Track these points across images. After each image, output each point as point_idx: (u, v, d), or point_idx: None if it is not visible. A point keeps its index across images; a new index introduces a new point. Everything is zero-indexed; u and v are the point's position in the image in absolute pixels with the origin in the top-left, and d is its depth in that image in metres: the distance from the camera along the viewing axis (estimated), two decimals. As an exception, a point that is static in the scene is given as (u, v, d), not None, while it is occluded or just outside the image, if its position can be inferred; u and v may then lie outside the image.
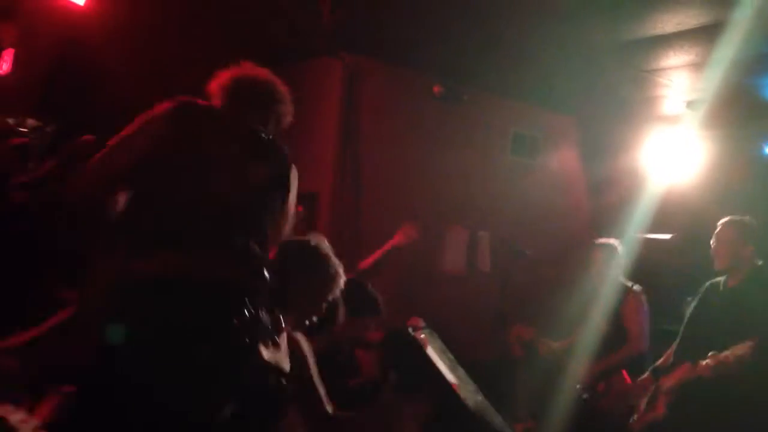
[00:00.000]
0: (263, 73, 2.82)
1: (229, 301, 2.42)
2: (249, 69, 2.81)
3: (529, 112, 7.07)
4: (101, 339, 2.27)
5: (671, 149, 6.54)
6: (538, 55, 5.53)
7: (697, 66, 5.49)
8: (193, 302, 2.36)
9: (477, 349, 5.40)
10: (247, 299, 2.44)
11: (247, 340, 2.45)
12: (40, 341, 2.33)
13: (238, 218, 2.52)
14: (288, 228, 2.80)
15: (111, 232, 2.49)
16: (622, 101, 6.66)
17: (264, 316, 2.49)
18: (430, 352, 4.20)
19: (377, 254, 4.57)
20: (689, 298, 4.47)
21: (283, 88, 2.84)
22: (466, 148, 6.55)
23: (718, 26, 4.61)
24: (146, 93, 3.01)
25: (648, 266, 5.53)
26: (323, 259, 3.03)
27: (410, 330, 4.16)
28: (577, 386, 4.79)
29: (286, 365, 2.72)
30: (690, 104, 6.26)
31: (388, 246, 4.57)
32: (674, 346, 4.43)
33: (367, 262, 4.53)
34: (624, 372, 4.76)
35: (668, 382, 4.16)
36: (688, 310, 4.40)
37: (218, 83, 2.76)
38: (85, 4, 4.13)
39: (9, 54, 4.34)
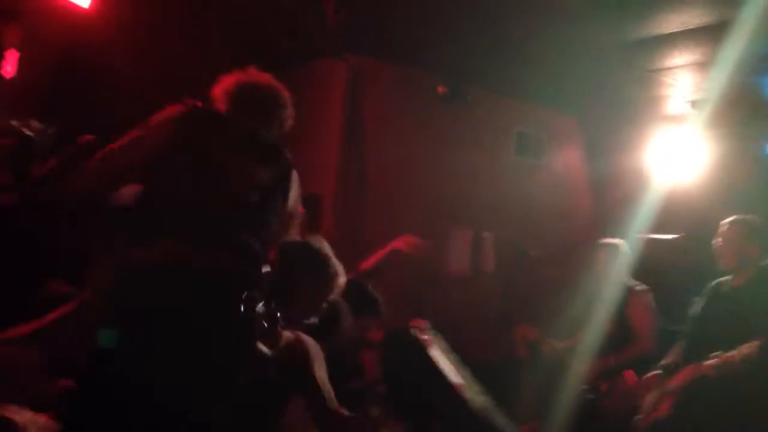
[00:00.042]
0: (266, 78, 2.91)
1: (228, 291, 2.49)
2: (252, 75, 2.89)
3: (534, 113, 7.06)
4: (102, 327, 2.32)
5: (675, 149, 6.53)
6: (544, 56, 5.53)
7: (702, 65, 5.48)
8: (191, 290, 2.43)
9: (481, 350, 5.40)
10: (245, 290, 2.50)
11: (245, 329, 2.51)
12: (43, 333, 2.34)
13: (239, 216, 2.60)
14: (291, 229, 2.90)
15: (113, 226, 2.57)
16: (626, 101, 6.64)
17: (261, 308, 2.55)
18: (435, 353, 4.20)
19: (379, 255, 4.57)
20: (694, 298, 4.46)
21: (285, 93, 2.92)
22: (470, 148, 6.54)
23: (722, 26, 4.59)
24: (150, 95, 3.06)
25: (652, 266, 5.52)
26: (323, 259, 3.06)
27: (414, 331, 4.17)
28: (582, 386, 4.78)
29: (287, 360, 2.75)
30: (694, 104, 6.25)
31: (388, 248, 4.57)
32: (679, 345, 4.42)
33: (369, 262, 4.53)
34: (628, 371, 4.75)
35: (673, 382, 4.15)
36: (694, 310, 4.39)
37: (222, 88, 2.85)
38: (89, 6, 4.14)
39: (13, 56, 4.36)
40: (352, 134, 5.96)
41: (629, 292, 4.99)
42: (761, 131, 6.27)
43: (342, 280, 3.10)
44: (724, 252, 4.26)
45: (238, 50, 4.88)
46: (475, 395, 4.03)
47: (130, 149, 2.58)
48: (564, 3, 4.63)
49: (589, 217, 7.31)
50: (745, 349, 3.78)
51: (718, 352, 3.85)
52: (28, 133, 3.21)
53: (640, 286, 5.04)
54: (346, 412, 2.96)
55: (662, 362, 4.43)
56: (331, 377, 3.03)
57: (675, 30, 4.91)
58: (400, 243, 4.50)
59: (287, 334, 2.91)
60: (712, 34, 4.79)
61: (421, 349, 4.18)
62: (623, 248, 5.12)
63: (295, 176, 2.81)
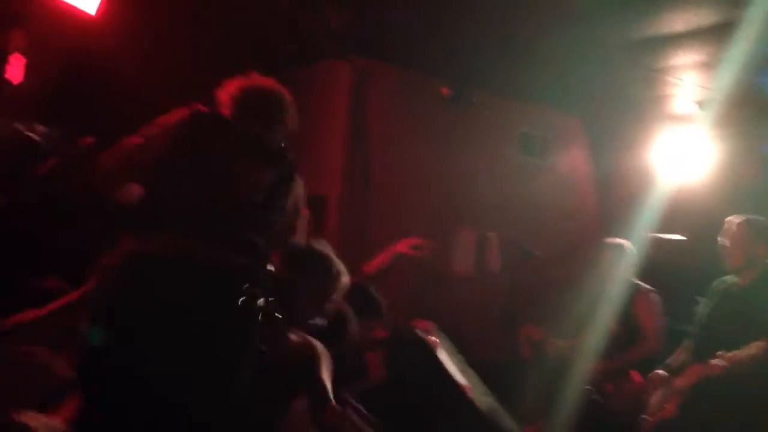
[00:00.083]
0: (269, 82, 2.99)
1: (228, 284, 2.56)
2: (256, 79, 2.97)
3: (539, 113, 7.05)
4: (102, 316, 2.40)
5: (681, 149, 6.52)
6: (550, 56, 5.52)
7: (708, 65, 5.47)
8: (191, 283, 2.50)
9: (486, 350, 5.40)
10: (245, 285, 2.57)
11: (244, 323, 2.57)
12: (44, 321, 2.35)
13: (242, 216, 2.68)
14: (297, 229, 2.94)
15: (118, 222, 2.64)
16: (632, 101, 6.63)
17: (262, 302, 2.61)
18: (441, 354, 4.21)
19: (382, 258, 4.58)
20: (700, 298, 4.45)
21: (288, 97, 3.00)
22: (474, 149, 6.54)
23: (728, 25, 4.58)
24: (156, 99, 3.11)
25: (658, 266, 5.51)
26: (324, 260, 3.09)
27: (419, 333, 4.18)
28: (587, 386, 4.78)
29: (293, 361, 2.80)
30: (700, 103, 6.24)
31: (392, 251, 4.58)
32: (685, 345, 4.42)
33: (372, 266, 4.54)
34: (634, 372, 4.75)
35: (680, 382, 4.14)
36: (700, 310, 4.39)
37: (227, 92, 2.93)
38: (95, 12, 4.16)
39: (20, 61, 4.38)
40: (357, 135, 5.97)
41: (635, 292, 4.99)
42: (767, 131, 6.25)
43: (345, 280, 3.12)
44: (730, 251, 4.25)
45: (242, 53, 4.90)
46: (480, 396, 4.05)
47: (145, 150, 2.68)
48: (570, 3, 4.63)
49: (594, 217, 7.29)
50: (752, 348, 3.79)
51: (724, 352, 3.85)
52: (34, 137, 3.24)
53: (645, 286, 5.04)
54: (341, 413, 2.99)
55: (668, 362, 4.43)
56: (336, 379, 3.05)
57: (680, 30, 4.90)
58: (402, 247, 4.51)
59: (295, 337, 2.94)
60: (717, 34, 4.78)
61: (426, 350, 4.19)
62: (629, 248, 5.12)
63: (298, 178, 2.88)
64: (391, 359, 4.13)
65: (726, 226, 4.31)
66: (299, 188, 2.89)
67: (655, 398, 4.29)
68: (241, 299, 2.54)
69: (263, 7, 4.95)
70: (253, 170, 2.73)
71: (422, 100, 6.22)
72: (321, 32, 5.19)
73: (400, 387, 4.07)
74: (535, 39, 5.22)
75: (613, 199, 7.07)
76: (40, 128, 3.29)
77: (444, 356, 4.28)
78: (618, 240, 5.18)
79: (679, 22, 4.79)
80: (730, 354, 3.83)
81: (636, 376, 4.75)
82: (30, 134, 3.25)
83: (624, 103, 6.67)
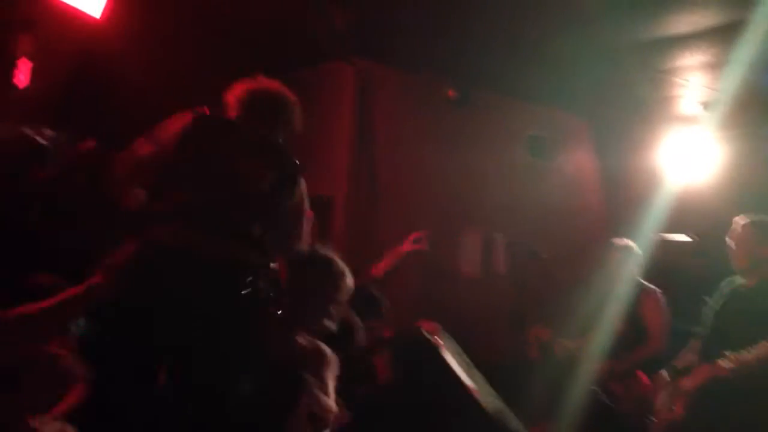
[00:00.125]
0: (275, 85, 3.10)
1: (233, 276, 2.70)
2: (262, 82, 3.09)
3: (546, 115, 7.06)
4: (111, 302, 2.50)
5: (688, 149, 6.51)
6: (559, 57, 5.52)
7: (714, 66, 5.47)
8: (196, 272, 2.63)
9: (493, 352, 5.40)
10: (247, 275, 2.72)
11: (246, 311, 2.70)
12: (46, 314, 2.36)
13: (246, 213, 2.80)
14: (301, 229, 3.02)
15: (125, 225, 2.80)
16: (638, 102, 6.63)
17: (264, 292, 2.76)
18: (447, 355, 4.21)
19: (389, 260, 4.59)
20: (707, 298, 4.44)
21: (292, 99, 3.11)
22: (482, 150, 6.54)
23: (735, 26, 4.58)
24: (162, 102, 3.16)
25: (665, 266, 5.50)
26: (329, 262, 3.10)
27: (426, 334, 4.18)
28: (594, 387, 4.78)
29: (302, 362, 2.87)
30: (706, 104, 6.23)
31: (397, 254, 4.59)
32: (692, 346, 4.41)
33: (380, 267, 4.55)
34: (641, 373, 4.75)
35: (687, 382, 4.12)
36: (707, 311, 4.38)
37: (234, 95, 3.05)
38: (101, 16, 4.18)
39: (26, 65, 4.41)
40: (363, 137, 5.98)
41: (641, 292, 4.99)
42: (773, 132, 6.25)
43: (350, 282, 3.14)
44: (736, 252, 4.24)
45: (247, 55, 4.93)
46: (486, 397, 4.04)
47: (149, 157, 2.82)
48: (579, 3, 4.63)
49: (601, 218, 7.28)
50: (760, 348, 3.77)
51: (731, 352, 3.84)
52: (41, 141, 3.26)
53: (651, 286, 5.03)
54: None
55: (675, 362, 4.42)
56: (343, 381, 3.07)
57: (687, 31, 4.90)
58: (407, 245, 4.55)
59: (305, 341, 2.97)
60: (724, 35, 4.78)
61: (432, 351, 4.19)
62: (635, 249, 5.11)
63: (301, 179, 2.99)
64: (396, 360, 4.14)
65: (733, 227, 4.30)
66: (302, 188, 2.98)
67: (662, 399, 4.28)
68: (242, 290, 2.66)
69: (269, 9, 4.96)
70: (254, 168, 2.84)
71: (429, 102, 6.23)
72: (326, 34, 5.20)
73: (406, 388, 4.08)
74: (544, 39, 5.23)
75: (619, 199, 7.06)
76: (47, 132, 3.31)
77: (450, 357, 4.28)
78: (625, 240, 5.17)
79: (685, 23, 4.79)
80: (737, 355, 3.82)
81: (642, 377, 4.74)
82: (37, 138, 3.27)
83: (631, 104, 6.66)
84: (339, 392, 3.10)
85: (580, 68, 5.72)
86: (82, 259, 2.78)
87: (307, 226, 3.04)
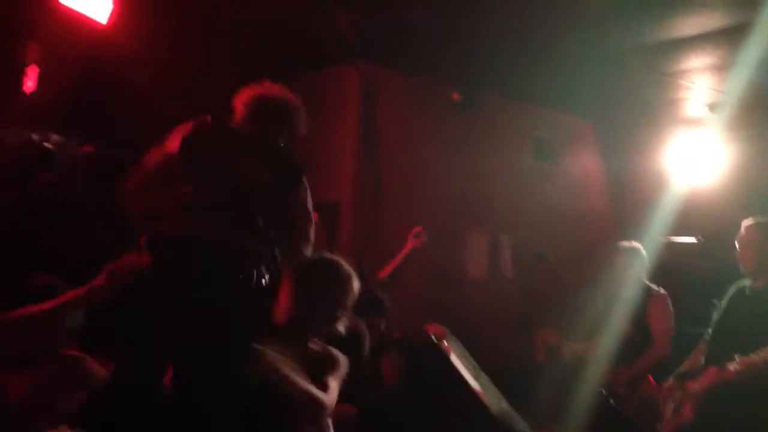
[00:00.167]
0: (280, 90, 3.21)
1: (237, 260, 2.83)
2: (267, 87, 3.20)
3: (552, 117, 7.05)
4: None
5: (694, 152, 6.50)
6: (566, 59, 5.52)
7: (720, 68, 5.46)
8: (203, 259, 2.77)
9: (499, 354, 5.40)
10: (253, 264, 2.84)
11: (245, 295, 2.81)
12: (47, 315, 2.36)
13: (248, 209, 2.93)
14: (309, 231, 3.11)
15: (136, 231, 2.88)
16: (645, 104, 6.62)
17: (267, 280, 2.87)
18: (454, 358, 4.22)
19: (395, 262, 4.61)
20: (715, 301, 4.43)
21: (298, 104, 3.22)
22: (488, 153, 6.54)
23: (741, 28, 4.58)
24: (168, 107, 3.23)
25: (671, 269, 5.49)
26: (335, 266, 3.10)
27: (432, 337, 4.18)
28: (601, 390, 4.76)
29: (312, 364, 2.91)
30: (713, 106, 6.22)
31: (402, 254, 4.62)
32: (700, 349, 4.39)
33: (387, 271, 4.57)
34: (649, 376, 4.73)
35: (695, 386, 4.11)
36: (715, 313, 4.36)
37: (241, 100, 3.17)
38: (107, 22, 4.21)
39: (33, 71, 4.43)
40: (368, 141, 5.98)
41: (648, 295, 4.97)
42: (780, 133, 6.24)
43: (356, 285, 3.14)
44: (744, 254, 4.22)
45: (252, 59, 4.94)
46: (493, 399, 4.04)
47: (158, 167, 2.97)
48: (587, 5, 4.63)
49: (607, 221, 7.27)
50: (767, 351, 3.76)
51: (740, 355, 3.83)
52: (49, 146, 3.29)
53: (658, 289, 5.02)
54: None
55: (683, 366, 4.41)
56: (351, 384, 3.08)
57: (693, 33, 4.90)
58: (411, 243, 4.59)
59: (315, 346, 2.99)
60: (730, 37, 4.78)
61: (439, 354, 4.19)
62: (642, 251, 5.10)
63: (304, 180, 3.10)
64: (404, 363, 4.14)
65: (741, 229, 4.29)
66: (306, 189, 3.09)
67: (670, 402, 4.27)
68: (241, 275, 2.79)
69: (272, 12, 4.98)
70: (254, 169, 2.97)
71: (434, 105, 6.23)
72: (331, 36, 5.21)
73: (414, 391, 4.08)
74: (553, 40, 5.22)
75: (626, 202, 7.05)
76: (55, 137, 3.34)
77: (457, 360, 4.28)
78: (631, 243, 5.16)
79: (692, 25, 4.79)
80: (745, 357, 3.81)
81: (651, 381, 4.72)
82: (44, 143, 3.30)
83: (637, 106, 6.66)
84: (346, 394, 3.10)
85: (586, 70, 5.72)
86: (85, 261, 2.80)
87: (313, 229, 3.08)
